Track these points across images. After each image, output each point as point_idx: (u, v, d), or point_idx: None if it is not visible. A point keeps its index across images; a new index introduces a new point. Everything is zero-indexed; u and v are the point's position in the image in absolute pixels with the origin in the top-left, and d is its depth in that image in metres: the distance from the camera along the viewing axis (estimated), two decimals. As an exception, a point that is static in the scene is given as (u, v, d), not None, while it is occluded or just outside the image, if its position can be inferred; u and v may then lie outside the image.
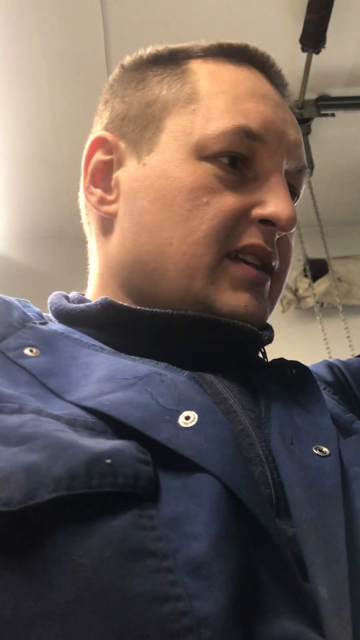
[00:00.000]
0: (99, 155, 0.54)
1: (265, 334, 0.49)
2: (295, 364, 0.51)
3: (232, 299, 0.47)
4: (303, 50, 1.57)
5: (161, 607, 0.27)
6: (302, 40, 1.54)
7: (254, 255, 0.48)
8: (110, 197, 0.52)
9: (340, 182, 2.14)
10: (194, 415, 0.36)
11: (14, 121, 1.80)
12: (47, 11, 1.49)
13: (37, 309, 0.50)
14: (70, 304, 0.50)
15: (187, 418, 0.36)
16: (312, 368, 0.60)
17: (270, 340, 0.50)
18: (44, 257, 2.20)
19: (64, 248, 2.06)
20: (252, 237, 0.47)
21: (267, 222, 0.48)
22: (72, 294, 0.55)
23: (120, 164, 0.52)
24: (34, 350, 0.42)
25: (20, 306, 0.47)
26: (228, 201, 0.47)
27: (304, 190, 0.56)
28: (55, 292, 0.54)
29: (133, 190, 0.50)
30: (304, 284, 2.13)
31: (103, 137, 0.53)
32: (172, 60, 0.53)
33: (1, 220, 2.19)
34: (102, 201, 0.53)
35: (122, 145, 0.52)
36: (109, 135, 0.53)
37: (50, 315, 0.52)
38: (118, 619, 0.26)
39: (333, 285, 1.98)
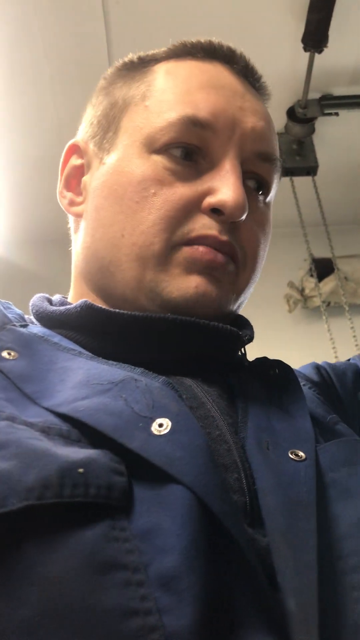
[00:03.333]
0: (73, 161, 0.56)
1: (245, 334, 0.49)
2: (278, 363, 0.50)
3: (182, 283, 0.46)
4: (305, 49, 1.56)
5: (130, 622, 0.26)
6: (304, 40, 1.54)
7: (207, 246, 0.47)
8: (79, 200, 0.54)
9: (345, 181, 2.13)
10: (167, 423, 0.35)
11: (17, 125, 1.80)
12: (49, 16, 1.49)
13: (19, 311, 0.51)
14: (51, 307, 0.50)
15: (161, 425, 0.35)
16: (300, 369, 0.60)
17: (250, 339, 0.50)
18: (48, 261, 2.20)
19: (67, 252, 2.05)
20: (204, 228, 0.47)
21: (217, 211, 0.47)
22: (55, 297, 0.56)
23: (88, 167, 0.54)
24: (12, 354, 0.41)
25: (1, 308, 0.48)
26: (177, 191, 0.47)
27: (276, 181, 0.54)
28: (38, 295, 0.55)
29: (94, 189, 0.52)
30: (310, 283, 2.12)
31: (75, 144, 0.56)
32: (140, 65, 0.54)
33: (5, 223, 2.20)
34: (71, 203, 0.55)
35: (90, 149, 0.54)
36: (80, 142, 0.55)
37: (32, 317, 0.52)
38: (85, 634, 0.26)
39: (339, 285, 1.97)
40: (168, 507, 0.31)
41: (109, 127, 0.52)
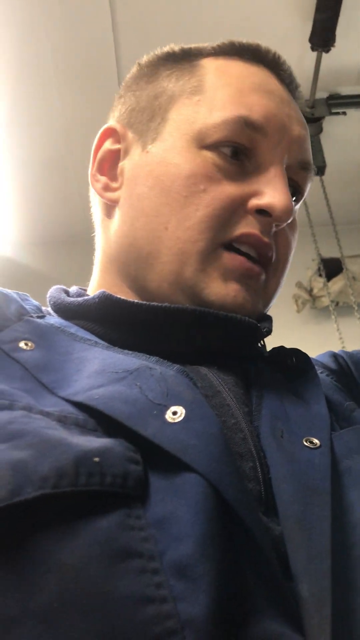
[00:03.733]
0: (108, 145, 0.55)
1: (264, 326, 0.49)
2: (295, 352, 0.51)
3: (221, 289, 0.47)
4: (313, 49, 1.56)
5: (145, 609, 0.27)
6: (311, 40, 1.54)
7: (249, 245, 0.48)
8: (115, 185, 0.53)
9: (353, 180, 2.12)
10: (181, 411, 0.35)
11: (24, 127, 1.81)
12: (56, 17, 1.50)
13: (36, 303, 0.51)
14: (69, 298, 0.51)
15: (175, 413, 0.35)
16: (317, 358, 0.60)
17: (269, 332, 0.50)
18: (55, 262, 2.21)
19: (75, 253, 2.06)
20: (247, 227, 0.47)
21: (263, 213, 0.47)
22: (73, 289, 0.56)
23: (126, 153, 0.54)
24: (29, 344, 0.41)
25: (18, 299, 0.48)
26: (225, 190, 0.47)
27: (309, 188, 0.55)
28: (55, 286, 0.55)
29: (134, 177, 0.51)
30: (318, 283, 2.11)
31: (112, 128, 0.55)
32: (184, 58, 0.54)
33: (12, 225, 2.21)
34: (106, 188, 0.54)
35: (130, 135, 0.54)
36: (118, 126, 0.55)
37: (49, 309, 0.52)
38: (101, 620, 0.26)
39: (348, 284, 1.96)
40: (183, 495, 0.31)
41: (153, 116, 0.52)
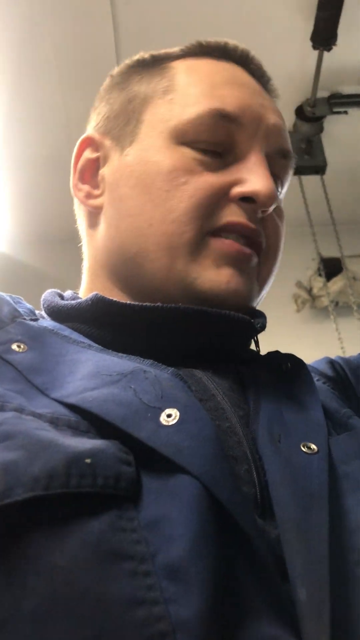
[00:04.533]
0: (87, 154, 0.56)
1: (258, 322, 0.48)
2: (290, 357, 0.50)
3: (214, 275, 0.46)
4: (314, 48, 1.56)
5: (136, 611, 0.26)
6: (313, 38, 1.53)
7: (236, 234, 0.48)
8: (97, 192, 0.54)
9: (354, 180, 2.12)
10: (175, 413, 0.35)
11: (26, 124, 1.81)
12: (58, 16, 1.50)
13: (30, 306, 0.51)
14: (62, 301, 0.51)
15: (169, 416, 0.35)
16: (313, 364, 0.59)
17: (263, 327, 0.49)
18: (56, 260, 2.21)
19: (75, 251, 2.05)
20: (233, 215, 0.47)
21: (247, 200, 0.47)
22: (67, 293, 0.56)
23: (106, 160, 0.54)
24: (22, 346, 0.41)
25: (12, 302, 0.48)
26: (207, 179, 0.47)
27: (289, 179, 0.56)
28: (49, 290, 0.55)
29: (116, 180, 0.52)
30: (318, 283, 2.11)
31: (90, 137, 0.56)
32: (154, 63, 0.55)
33: (13, 223, 2.20)
34: (88, 196, 0.54)
35: (107, 142, 0.54)
36: (95, 134, 0.55)
37: (42, 312, 0.52)
38: (92, 622, 0.26)
39: (348, 284, 1.96)
40: (176, 497, 0.31)
41: (128, 120, 0.53)
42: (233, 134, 0.49)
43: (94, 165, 0.55)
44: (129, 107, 0.53)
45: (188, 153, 0.48)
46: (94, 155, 0.55)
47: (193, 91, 0.50)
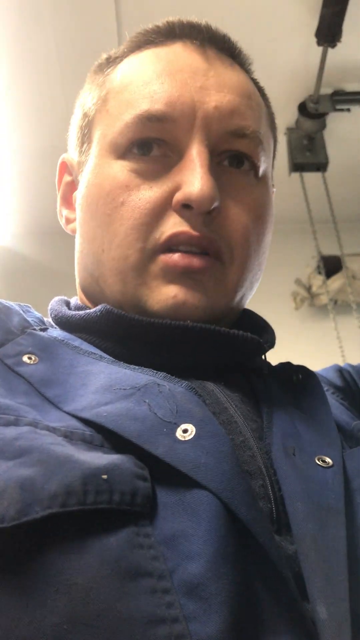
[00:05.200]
0: (65, 178, 0.56)
1: (267, 340, 0.48)
2: (302, 369, 0.50)
3: (161, 295, 0.44)
4: (318, 44, 1.54)
5: (157, 629, 0.26)
6: (317, 34, 1.52)
7: (185, 244, 0.44)
8: (72, 216, 0.54)
9: (356, 178, 2.11)
10: (191, 428, 0.35)
11: (26, 116, 1.80)
12: (60, 6, 1.48)
13: (38, 315, 0.50)
14: (70, 311, 0.50)
15: (185, 431, 0.35)
16: (322, 372, 0.59)
17: (272, 346, 0.49)
18: (55, 252, 2.19)
19: (73, 243, 2.05)
20: (175, 226, 0.44)
21: (188, 206, 0.44)
22: (73, 300, 0.55)
23: (77, 182, 0.54)
24: (33, 358, 0.41)
25: (21, 312, 0.47)
26: (144, 195, 0.45)
27: (264, 153, 0.50)
28: (56, 298, 0.54)
29: (79, 204, 0.51)
30: (317, 281, 2.11)
31: (64, 161, 0.56)
32: (107, 66, 0.52)
33: (12, 215, 2.19)
34: (67, 221, 0.55)
35: (76, 164, 0.54)
36: (67, 158, 0.55)
37: (51, 321, 0.52)
38: None
39: (347, 283, 1.95)
40: (193, 513, 0.31)
41: (83, 139, 0.52)
42: (169, 132, 0.45)
43: (72, 189, 0.55)
44: (83, 124, 0.52)
45: (126, 166, 0.46)
46: (70, 178, 0.55)
47: (123, 97, 0.48)
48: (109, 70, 0.51)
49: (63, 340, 0.44)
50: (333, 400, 0.52)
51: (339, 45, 1.54)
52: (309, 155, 1.85)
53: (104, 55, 0.54)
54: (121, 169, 0.46)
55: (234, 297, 0.48)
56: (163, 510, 0.31)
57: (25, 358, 0.41)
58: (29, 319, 0.47)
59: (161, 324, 0.44)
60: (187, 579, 0.28)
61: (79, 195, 0.51)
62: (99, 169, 0.48)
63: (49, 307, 0.53)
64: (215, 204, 0.44)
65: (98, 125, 0.50)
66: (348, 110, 1.78)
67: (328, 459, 0.39)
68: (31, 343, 0.43)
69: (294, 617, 0.29)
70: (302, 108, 1.79)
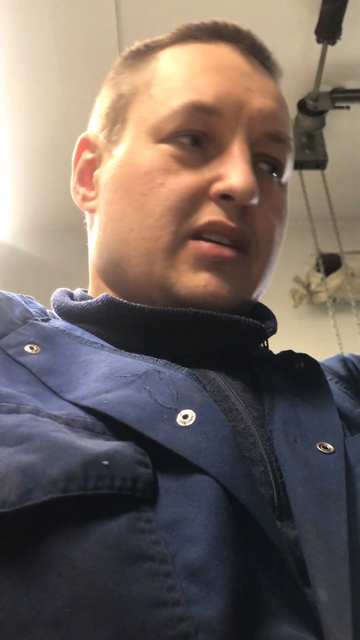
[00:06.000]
0: (85, 155, 0.55)
1: (269, 326, 0.48)
2: (304, 357, 0.50)
3: (191, 280, 0.45)
4: (318, 41, 1.54)
5: (159, 612, 0.26)
6: (317, 31, 1.52)
7: (218, 234, 0.46)
8: (91, 194, 0.54)
9: (355, 175, 2.11)
10: (192, 414, 0.35)
11: (25, 112, 1.79)
12: (59, 4, 1.48)
13: (41, 306, 0.50)
14: (72, 302, 0.50)
15: (185, 417, 0.35)
16: (326, 362, 0.59)
17: (274, 332, 0.49)
18: (54, 250, 2.20)
19: (74, 241, 2.03)
20: (211, 215, 0.46)
21: (226, 197, 0.46)
22: (76, 291, 0.55)
23: (100, 161, 0.54)
24: (35, 348, 0.41)
25: (23, 302, 0.47)
26: (183, 180, 0.46)
27: (290, 162, 0.53)
28: (59, 289, 0.54)
29: (105, 183, 0.51)
30: (316, 278, 2.11)
31: (86, 137, 0.55)
32: (145, 53, 0.53)
33: (12, 212, 2.19)
34: (84, 198, 0.55)
35: (101, 142, 0.54)
36: (91, 135, 0.55)
37: (53, 312, 0.52)
38: (114, 624, 0.26)
39: (346, 281, 1.96)
40: (194, 497, 0.31)
41: (116, 119, 0.52)
42: (213, 125, 0.47)
43: (91, 167, 0.55)
44: (118, 105, 0.52)
45: (166, 150, 0.47)
46: (91, 156, 0.55)
47: (171, 84, 0.49)
48: (149, 56, 0.52)
49: (65, 330, 0.45)
50: (336, 389, 0.53)
51: (338, 42, 1.54)
52: (308, 153, 1.85)
53: (139, 43, 0.55)
54: (161, 153, 0.47)
55: (254, 291, 0.50)
56: (164, 495, 0.31)
57: (27, 348, 0.41)
58: (31, 310, 0.47)
59: (163, 311, 0.44)
60: (189, 562, 0.28)
61: (106, 174, 0.51)
62: (136, 149, 0.48)
63: (52, 298, 0.53)
64: (255, 200, 0.46)
65: (137, 107, 0.50)
66: (347, 107, 1.78)
67: (329, 446, 0.39)
68: (33, 333, 0.43)
69: (295, 601, 0.30)
70: (302, 105, 1.79)
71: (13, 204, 2.16)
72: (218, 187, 0.46)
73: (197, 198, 0.46)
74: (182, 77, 0.49)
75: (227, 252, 0.46)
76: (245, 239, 0.47)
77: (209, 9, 1.55)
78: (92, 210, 0.53)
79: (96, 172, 0.54)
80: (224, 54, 0.50)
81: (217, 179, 0.46)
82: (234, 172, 0.45)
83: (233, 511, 0.31)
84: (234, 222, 0.46)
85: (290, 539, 0.33)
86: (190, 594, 0.27)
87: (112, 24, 1.55)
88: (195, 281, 0.45)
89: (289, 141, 0.51)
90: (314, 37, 1.54)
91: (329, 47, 1.57)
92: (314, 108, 1.76)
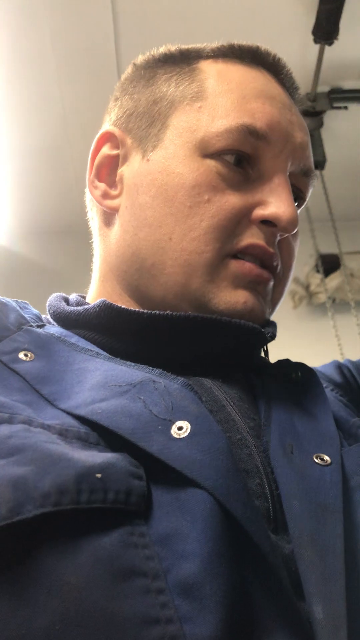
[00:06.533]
0: (106, 150, 0.54)
1: (268, 331, 0.48)
2: (301, 366, 0.50)
3: (231, 296, 0.46)
4: (315, 41, 1.54)
5: (151, 630, 0.26)
6: (314, 32, 1.52)
7: (254, 256, 0.48)
8: (114, 192, 0.53)
9: (353, 176, 2.11)
10: (187, 426, 0.34)
11: (23, 115, 1.79)
12: (56, 5, 1.48)
13: (36, 311, 0.50)
14: (69, 307, 0.50)
15: (180, 428, 0.34)
16: (321, 369, 0.59)
17: (273, 337, 0.49)
18: (52, 252, 2.20)
19: (72, 243, 2.05)
20: (253, 237, 0.47)
21: (268, 223, 0.47)
22: (72, 296, 0.55)
23: (125, 159, 0.53)
24: (29, 355, 0.41)
25: (18, 308, 0.47)
26: (230, 200, 0.47)
27: (310, 192, 0.55)
28: (54, 294, 0.54)
29: (136, 185, 0.50)
30: (315, 279, 2.11)
31: (111, 132, 0.54)
32: (182, 60, 0.53)
33: (10, 215, 2.19)
34: (105, 195, 0.53)
35: (129, 141, 0.52)
36: (116, 131, 0.53)
37: (49, 317, 0.51)
38: None
39: (345, 281, 1.95)
40: (188, 511, 0.30)
41: (153, 122, 0.51)
42: (260, 150, 0.48)
43: (113, 163, 0.54)
44: (155, 108, 0.51)
45: (213, 167, 0.47)
46: (114, 152, 0.53)
47: (223, 102, 0.49)
48: (193, 64, 0.52)
49: (60, 337, 0.44)
50: (332, 397, 0.52)
51: (336, 42, 1.54)
52: (306, 154, 1.84)
53: (171, 47, 0.54)
54: (208, 168, 0.47)
55: (273, 310, 0.52)
56: (158, 509, 0.31)
57: (21, 355, 0.41)
58: (26, 316, 0.47)
59: (162, 315, 0.44)
60: (182, 579, 0.28)
61: (140, 177, 0.50)
62: (181, 159, 0.48)
63: (47, 304, 0.52)
64: (295, 230, 0.48)
65: (181, 116, 0.50)
66: (345, 108, 1.78)
67: (326, 457, 0.38)
68: (27, 340, 0.43)
69: (289, 618, 0.29)
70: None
71: (10, 207, 2.16)
72: (262, 212, 0.47)
73: (240, 219, 0.47)
74: (234, 97, 0.49)
75: (265, 274, 0.48)
76: (276, 265, 0.49)
77: (206, 12, 1.55)
78: (114, 209, 0.52)
79: (121, 170, 0.52)
80: (269, 82, 0.52)
81: (260, 204, 0.47)
82: (279, 201, 0.47)
83: (227, 525, 0.30)
84: (272, 247, 0.48)
85: (285, 553, 0.32)
86: (184, 611, 0.27)
87: (109, 28, 1.55)
88: (235, 297, 0.46)
89: (314, 177, 0.54)
90: (311, 37, 1.54)
91: (327, 48, 1.57)
92: (311, 108, 1.76)
